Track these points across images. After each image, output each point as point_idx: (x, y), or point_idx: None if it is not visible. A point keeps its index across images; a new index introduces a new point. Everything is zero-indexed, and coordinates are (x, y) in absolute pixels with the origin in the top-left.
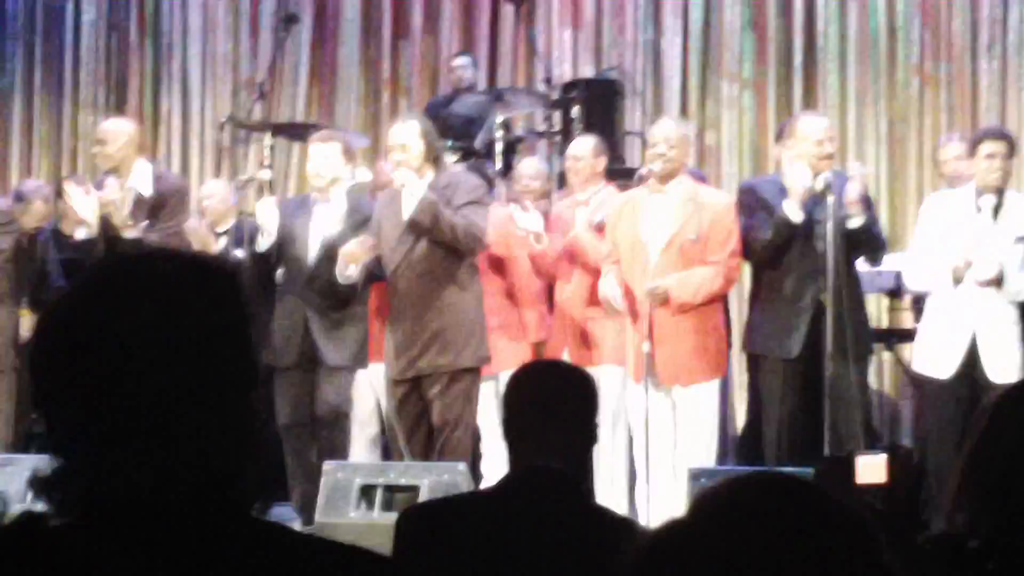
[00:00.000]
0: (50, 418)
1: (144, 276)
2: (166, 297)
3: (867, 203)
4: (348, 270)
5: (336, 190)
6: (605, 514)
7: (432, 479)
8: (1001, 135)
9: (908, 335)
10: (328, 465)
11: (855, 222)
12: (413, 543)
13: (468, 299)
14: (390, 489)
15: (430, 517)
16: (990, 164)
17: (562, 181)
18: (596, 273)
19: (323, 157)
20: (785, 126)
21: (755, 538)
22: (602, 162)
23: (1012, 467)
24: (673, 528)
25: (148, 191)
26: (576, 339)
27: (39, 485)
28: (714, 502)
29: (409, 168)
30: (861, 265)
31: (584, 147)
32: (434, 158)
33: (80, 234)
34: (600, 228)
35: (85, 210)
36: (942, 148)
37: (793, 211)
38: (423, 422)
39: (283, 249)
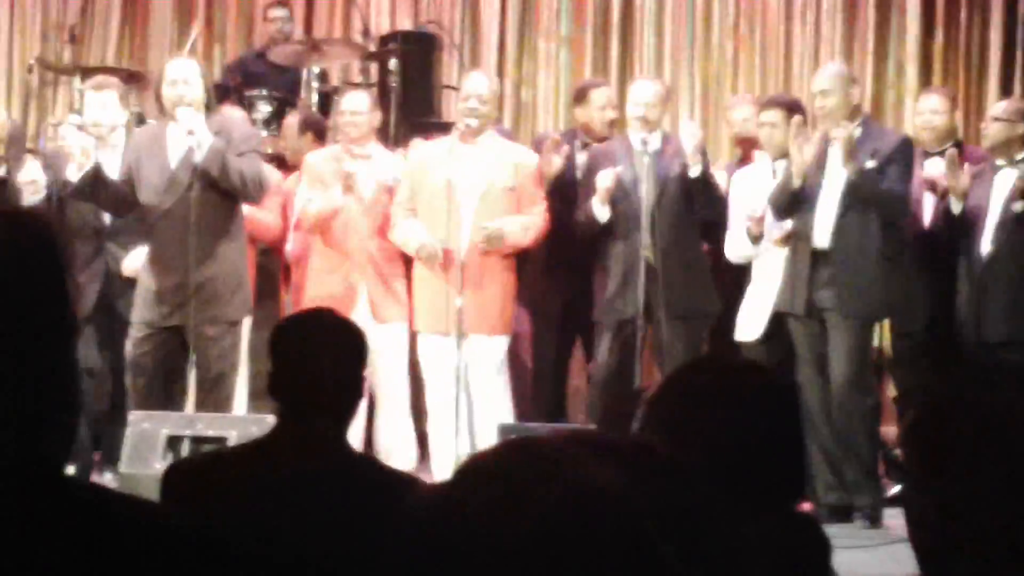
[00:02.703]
0: None
1: None
2: None
3: (703, 154)
4: None
5: (115, 136)
6: (379, 468)
7: (240, 430)
8: (778, 103)
9: None
10: (134, 415)
11: (695, 171)
12: (178, 497)
13: (236, 249)
14: (197, 440)
15: (197, 472)
16: (770, 133)
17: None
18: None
19: (100, 105)
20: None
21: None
22: (377, 117)
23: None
24: (438, 491)
25: None
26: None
27: None
28: (476, 467)
29: (190, 107)
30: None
31: (360, 101)
32: (208, 102)
33: None
34: (391, 191)
35: None
36: (732, 109)
37: (600, 211)
38: (171, 368)
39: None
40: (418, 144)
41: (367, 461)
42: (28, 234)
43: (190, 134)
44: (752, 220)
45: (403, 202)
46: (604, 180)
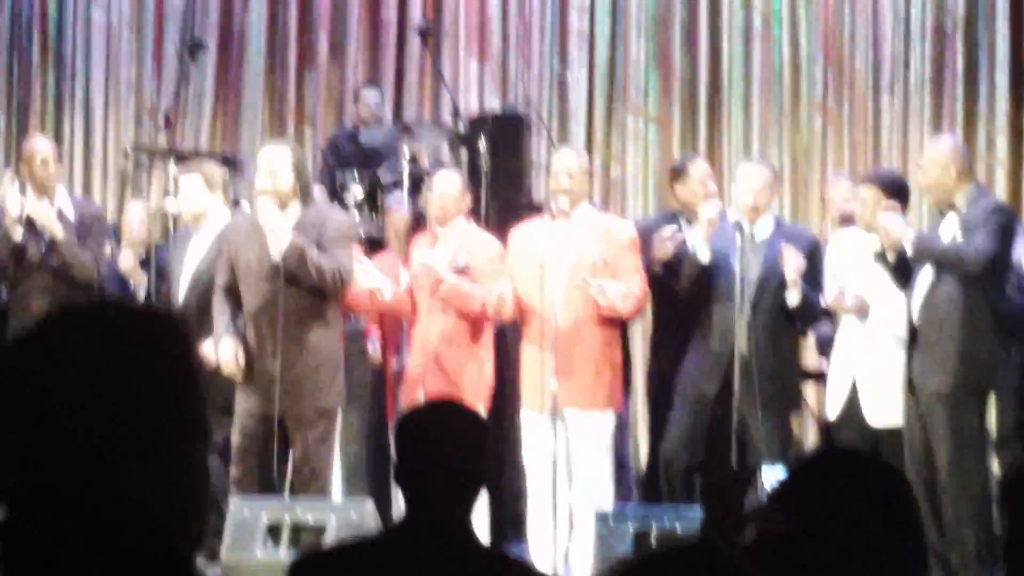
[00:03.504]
0: None
1: (94, 325)
2: (115, 347)
3: (810, 281)
4: None
5: (206, 222)
6: (499, 557)
7: (339, 517)
8: (877, 180)
9: (809, 374)
10: (234, 503)
11: (793, 299)
12: None
13: (332, 337)
14: (296, 527)
15: (324, 567)
16: (864, 210)
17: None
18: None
19: (184, 190)
20: (681, 167)
21: None
22: (467, 200)
23: None
24: None
25: (71, 215)
26: (435, 376)
27: None
28: None
29: (274, 199)
30: None
31: (453, 183)
32: (302, 190)
33: (18, 235)
34: (463, 271)
35: (39, 212)
36: (830, 187)
37: (702, 251)
38: (268, 458)
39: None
40: (518, 229)
41: (492, 553)
42: (165, 336)
43: (270, 232)
44: (833, 297)
45: (502, 292)
46: (708, 212)
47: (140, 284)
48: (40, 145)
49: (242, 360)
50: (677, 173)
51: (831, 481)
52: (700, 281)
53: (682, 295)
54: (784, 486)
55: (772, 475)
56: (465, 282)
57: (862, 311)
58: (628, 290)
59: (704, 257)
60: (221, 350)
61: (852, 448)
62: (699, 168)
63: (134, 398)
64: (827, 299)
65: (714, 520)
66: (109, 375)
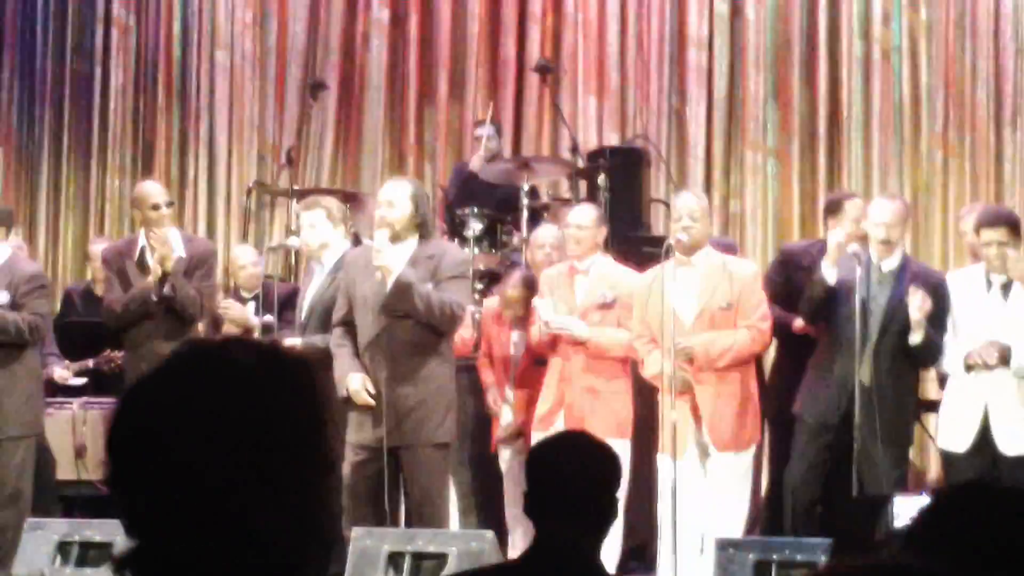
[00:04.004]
0: (124, 498)
1: (222, 364)
2: (243, 386)
3: (933, 322)
4: None
5: (327, 254)
6: None
7: (460, 547)
8: (998, 221)
9: (932, 405)
10: (356, 531)
11: (915, 339)
12: None
13: (446, 371)
14: (418, 557)
15: None
16: (988, 252)
17: None
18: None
19: (308, 225)
20: (837, 200)
21: None
22: (603, 233)
23: None
24: None
25: (182, 252)
26: (573, 413)
27: (116, 564)
28: None
29: (390, 228)
30: None
31: (588, 216)
32: (420, 224)
33: (147, 280)
34: (607, 306)
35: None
36: (962, 221)
37: (828, 272)
38: (382, 490)
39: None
40: (647, 273)
41: None
42: (289, 371)
43: (377, 256)
44: (973, 357)
45: (641, 332)
46: (836, 236)
47: (248, 327)
48: (149, 188)
49: (371, 389)
50: (833, 208)
51: (977, 513)
52: (823, 304)
53: (804, 318)
54: (926, 517)
55: (906, 506)
56: (606, 331)
57: (1004, 360)
58: (731, 342)
59: (831, 279)
60: (351, 383)
61: (995, 480)
62: (855, 206)
63: (260, 434)
64: (969, 359)
65: (842, 549)
66: (234, 411)
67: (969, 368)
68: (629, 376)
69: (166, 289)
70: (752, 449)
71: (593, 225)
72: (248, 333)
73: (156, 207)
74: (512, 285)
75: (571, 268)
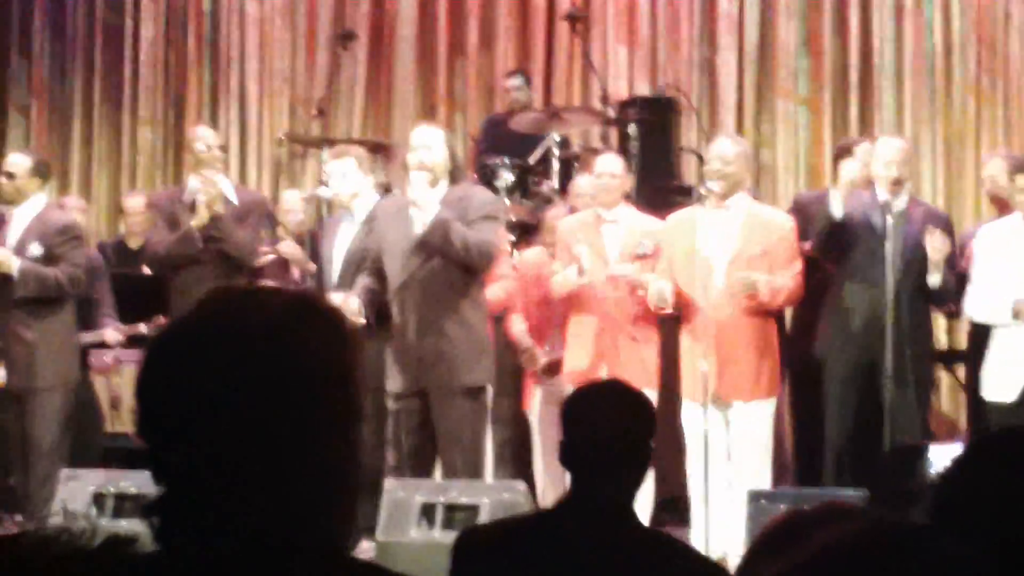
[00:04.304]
0: (153, 446)
1: (250, 310)
2: (271, 332)
3: (949, 263)
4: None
5: (359, 202)
6: (662, 538)
7: (492, 498)
8: None
9: (960, 355)
10: (389, 483)
11: (934, 280)
12: (469, 566)
13: (479, 316)
14: (451, 508)
15: (485, 540)
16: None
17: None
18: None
19: (339, 174)
20: (847, 145)
21: None
22: (629, 182)
23: None
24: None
25: (233, 199)
26: (619, 363)
27: (142, 510)
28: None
29: (428, 173)
30: None
31: (616, 164)
32: (452, 171)
33: (195, 221)
34: (647, 256)
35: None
36: (985, 165)
37: (836, 205)
38: (425, 436)
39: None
40: (673, 215)
41: (651, 532)
42: (321, 321)
43: (414, 205)
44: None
45: (664, 271)
46: (848, 173)
47: (306, 269)
48: (202, 132)
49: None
50: (843, 153)
51: (1018, 460)
52: (830, 238)
53: (816, 252)
54: (963, 464)
55: (942, 454)
56: (653, 279)
57: None
58: (781, 285)
59: (837, 213)
60: (345, 302)
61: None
62: (865, 151)
63: (287, 381)
64: (1018, 306)
65: (878, 500)
66: (262, 358)
67: (1016, 315)
68: (656, 325)
69: (213, 231)
70: (773, 400)
71: (623, 174)
72: (302, 274)
73: (211, 148)
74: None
75: (597, 217)
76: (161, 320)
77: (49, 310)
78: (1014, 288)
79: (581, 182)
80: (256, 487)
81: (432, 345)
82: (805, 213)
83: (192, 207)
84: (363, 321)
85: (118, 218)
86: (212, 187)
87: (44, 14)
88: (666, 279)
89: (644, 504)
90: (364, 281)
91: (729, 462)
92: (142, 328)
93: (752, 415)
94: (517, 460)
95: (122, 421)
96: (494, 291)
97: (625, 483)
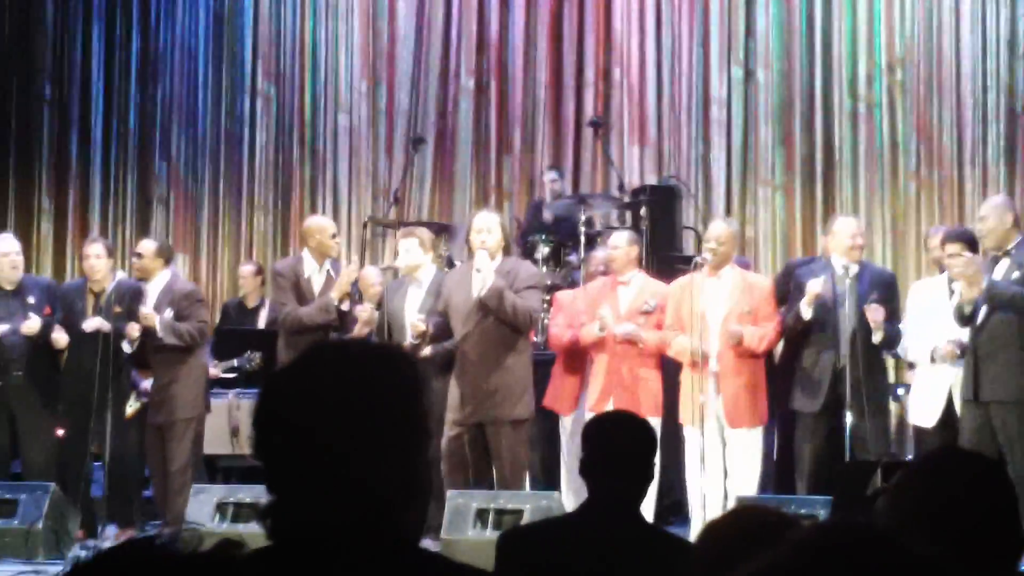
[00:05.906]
0: (266, 462)
1: (344, 358)
2: (359, 375)
3: (890, 317)
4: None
5: (422, 272)
6: (664, 534)
7: (533, 504)
8: (959, 237)
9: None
10: (451, 493)
11: (877, 338)
12: (512, 560)
13: (523, 361)
14: (500, 512)
15: (524, 538)
16: (950, 262)
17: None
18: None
19: (404, 250)
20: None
21: None
22: (636, 250)
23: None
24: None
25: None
26: (622, 395)
27: (258, 514)
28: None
29: (488, 250)
30: None
31: (621, 239)
32: (505, 246)
33: (344, 305)
34: (650, 312)
35: (344, 286)
36: (930, 239)
37: (806, 311)
38: (473, 459)
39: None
40: (677, 281)
41: (658, 531)
42: (398, 364)
43: (477, 272)
44: (939, 351)
45: (672, 324)
46: (815, 287)
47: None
48: (324, 222)
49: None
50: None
51: (957, 475)
52: (802, 332)
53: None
54: (911, 475)
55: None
56: (652, 333)
57: (963, 354)
58: (763, 333)
59: (806, 316)
60: (414, 323)
61: (964, 448)
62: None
63: (372, 412)
64: (938, 353)
65: (840, 506)
66: (353, 395)
67: (933, 360)
68: (659, 365)
69: (344, 306)
70: (761, 428)
71: (625, 245)
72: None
73: (334, 236)
74: None
75: (614, 281)
76: (250, 354)
77: (186, 354)
78: (934, 334)
79: (596, 254)
80: (347, 493)
81: (487, 385)
82: (794, 274)
83: (326, 282)
84: (424, 328)
85: (237, 284)
86: (350, 275)
87: (180, 123)
88: (676, 330)
89: (648, 507)
90: (437, 318)
91: (725, 472)
92: (234, 362)
93: (747, 438)
94: (548, 474)
95: (240, 446)
96: (559, 327)
97: (633, 491)
